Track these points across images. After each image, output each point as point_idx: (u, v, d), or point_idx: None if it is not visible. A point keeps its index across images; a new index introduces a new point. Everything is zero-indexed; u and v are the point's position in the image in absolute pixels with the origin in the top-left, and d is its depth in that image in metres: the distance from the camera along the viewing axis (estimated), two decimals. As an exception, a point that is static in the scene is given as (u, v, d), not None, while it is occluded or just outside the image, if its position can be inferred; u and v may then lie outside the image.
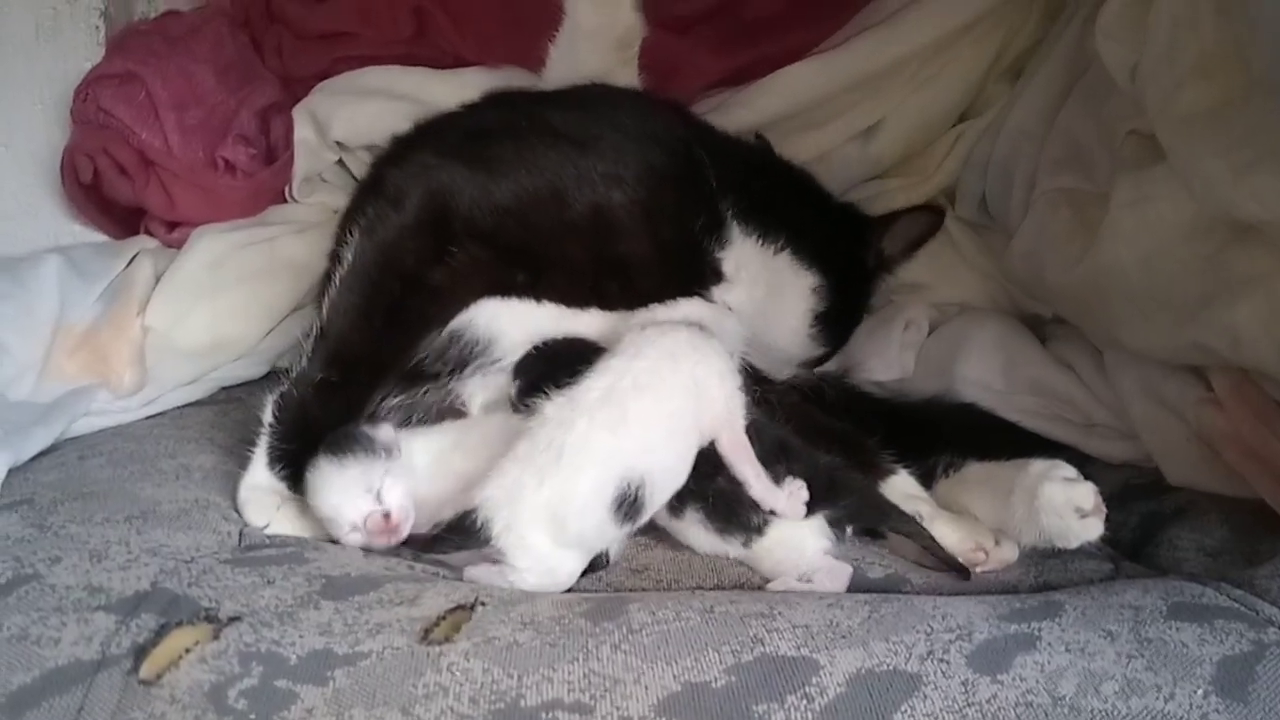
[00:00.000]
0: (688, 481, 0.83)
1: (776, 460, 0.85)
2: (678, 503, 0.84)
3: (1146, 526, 0.93)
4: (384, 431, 0.88)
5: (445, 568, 0.82)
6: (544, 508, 0.77)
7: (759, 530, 0.83)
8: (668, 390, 0.82)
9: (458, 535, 0.79)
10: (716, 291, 1.01)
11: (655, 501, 0.81)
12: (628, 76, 1.15)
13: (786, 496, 0.83)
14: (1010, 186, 1.19)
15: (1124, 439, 1.05)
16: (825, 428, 0.98)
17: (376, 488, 0.83)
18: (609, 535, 0.81)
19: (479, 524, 0.77)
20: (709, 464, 0.84)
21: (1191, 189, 0.87)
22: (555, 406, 0.82)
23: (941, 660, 0.64)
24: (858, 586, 0.82)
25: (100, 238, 1.39)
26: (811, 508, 0.84)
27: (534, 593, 0.75)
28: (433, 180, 0.94)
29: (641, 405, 0.81)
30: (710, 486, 0.84)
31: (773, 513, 0.83)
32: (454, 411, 0.97)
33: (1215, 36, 0.83)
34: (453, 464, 0.89)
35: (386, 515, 0.82)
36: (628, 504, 0.79)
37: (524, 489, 0.78)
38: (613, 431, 0.79)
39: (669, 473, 0.82)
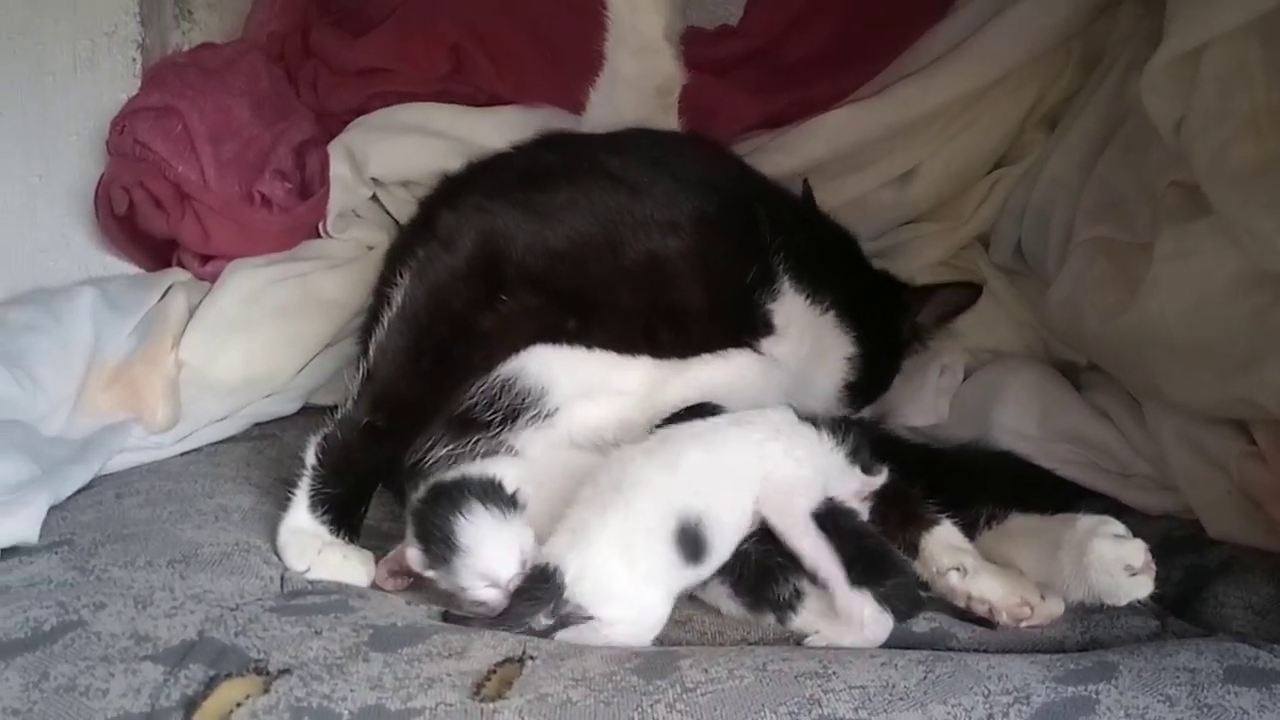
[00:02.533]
0: None
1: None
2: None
3: (1190, 581, 0.92)
4: (522, 492, 0.86)
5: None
6: (613, 540, 0.77)
7: (791, 607, 0.81)
8: (724, 447, 0.83)
9: (530, 594, 0.78)
10: (766, 343, 1.00)
11: (717, 547, 0.81)
12: (667, 122, 1.16)
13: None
14: (1047, 234, 1.19)
15: (1163, 490, 1.05)
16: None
17: (528, 553, 0.81)
18: (679, 575, 0.80)
19: (549, 573, 0.77)
20: None
21: (1240, 244, 0.87)
22: (619, 452, 0.84)
23: (1002, 725, 0.63)
24: (905, 642, 0.81)
25: (131, 269, 1.39)
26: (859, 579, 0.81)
27: (583, 647, 0.75)
28: (486, 224, 0.93)
29: (695, 453, 0.82)
30: (735, 558, 0.83)
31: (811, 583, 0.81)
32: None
33: (1266, 95, 0.84)
34: None
35: None
36: (690, 541, 0.79)
37: (589, 527, 0.78)
38: (666, 470, 0.81)
39: (725, 523, 0.81)
